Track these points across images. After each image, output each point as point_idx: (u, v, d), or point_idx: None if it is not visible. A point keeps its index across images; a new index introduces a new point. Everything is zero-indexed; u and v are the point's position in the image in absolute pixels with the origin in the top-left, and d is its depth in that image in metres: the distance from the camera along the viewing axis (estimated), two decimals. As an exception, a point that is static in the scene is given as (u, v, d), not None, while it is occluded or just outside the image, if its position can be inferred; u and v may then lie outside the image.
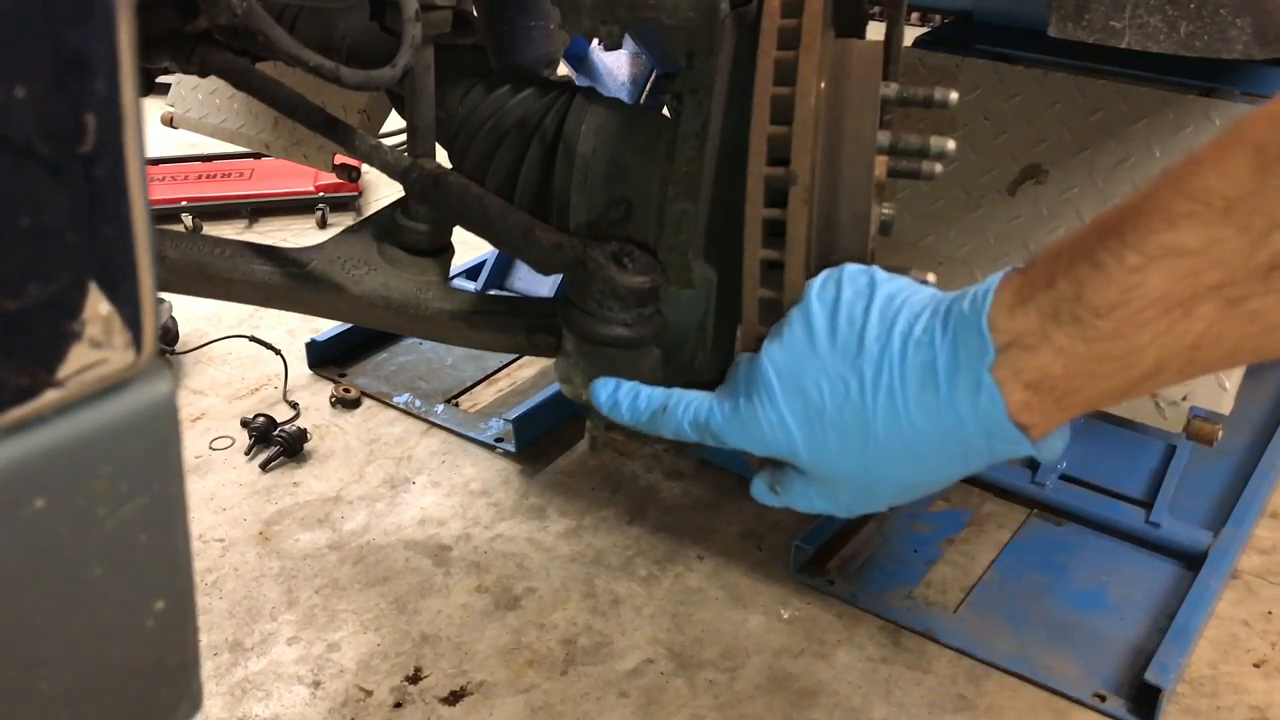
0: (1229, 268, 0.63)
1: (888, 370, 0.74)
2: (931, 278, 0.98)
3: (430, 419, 2.48)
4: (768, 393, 0.79)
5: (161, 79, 1.94)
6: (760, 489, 0.87)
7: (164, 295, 2.11)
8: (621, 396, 0.92)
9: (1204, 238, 0.63)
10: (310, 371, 2.65)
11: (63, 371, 0.45)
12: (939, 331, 0.73)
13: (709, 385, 0.86)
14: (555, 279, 2.67)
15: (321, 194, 3.47)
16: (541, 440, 2.38)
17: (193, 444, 2.36)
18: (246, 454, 2.35)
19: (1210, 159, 0.64)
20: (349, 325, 2.61)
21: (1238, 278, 0.63)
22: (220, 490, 2.25)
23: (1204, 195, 0.63)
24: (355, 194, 3.52)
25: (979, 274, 1.63)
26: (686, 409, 0.86)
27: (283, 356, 2.61)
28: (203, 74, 1.21)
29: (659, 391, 0.90)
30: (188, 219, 3.35)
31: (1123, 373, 0.68)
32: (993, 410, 0.71)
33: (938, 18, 3.16)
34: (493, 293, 2.84)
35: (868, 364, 0.75)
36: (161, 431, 0.50)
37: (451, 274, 1.28)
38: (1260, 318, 0.63)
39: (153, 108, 1.88)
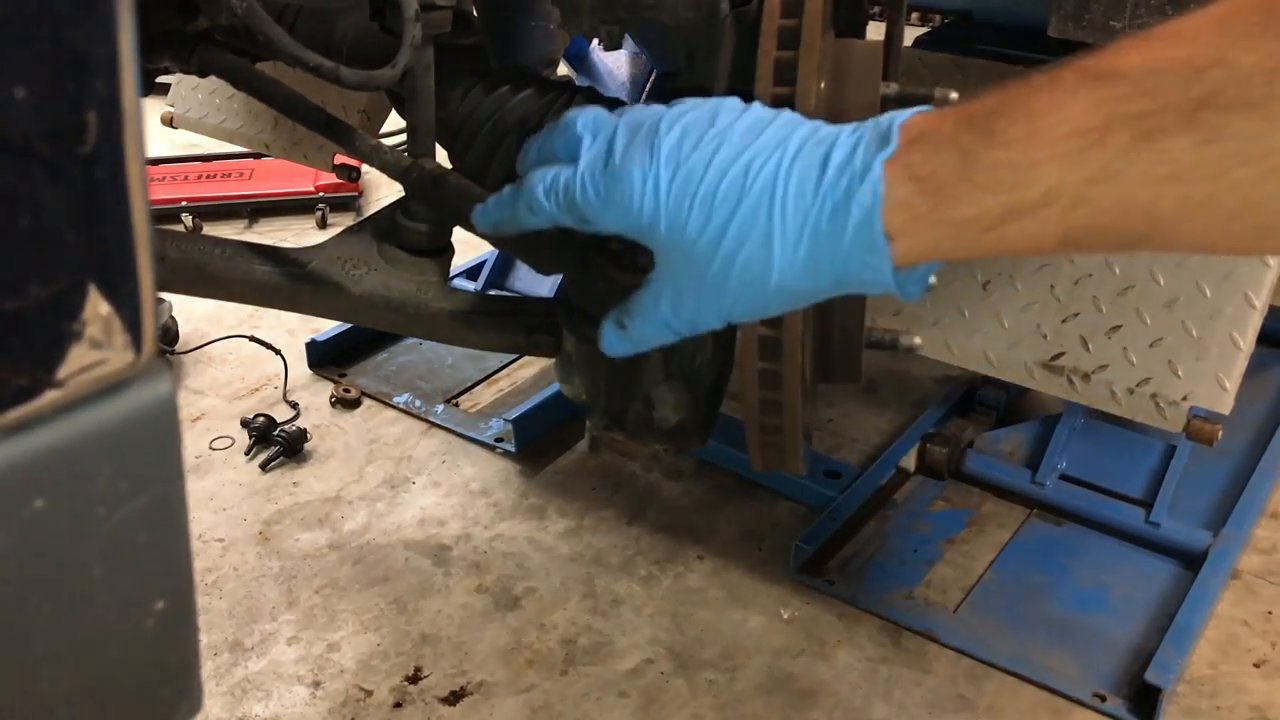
0: (1157, 99, 0.60)
1: (778, 154, 0.71)
2: (954, 95, 0.97)
3: (430, 419, 2.48)
4: (652, 155, 0.74)
5: (161, 79, 1.94)
6: (609, 331, 0.83)
7: (164, 295, 2.10)
8: (489, 208, 0.87)
9: (1143, 65, 0.61)
10: (310, 371, 2.65)
11: (63, 371, 0.45)
12: (847, 131, 0.71)
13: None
14: (555, 279, 2.67)
15: (321, 194, 3.47)
16: (541, 440, 2.38)
17: (193, 444, 2.36)
18: (246, 454, 2.35)
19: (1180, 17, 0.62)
20: (349, 325, 2.61)
21: (1162, 108, 0.60)
22: (220, 490, 2.25)
23: (1160, 33, 0.62)
24: (355, 194, 3.51)
25: (979, 274, 1.63)
26: (543, 178, 0.79)
27: (283, 356, 2.61)
28: (203, 74, 1.21)
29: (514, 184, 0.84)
30: (188, 219, 3.35)
31: (1011, 191, 0.64)
32: (868, 199, 0.67)
33: (938, 18, 3.16)
34: (493, 293, 2.84)
35: (764, 144, 0.72)
36: (161, 431, 0.50)
37: (451, 274, 1.28)
38: (1168, 158, 0.60)
39: (153, 108, 1.88)
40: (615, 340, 0.83)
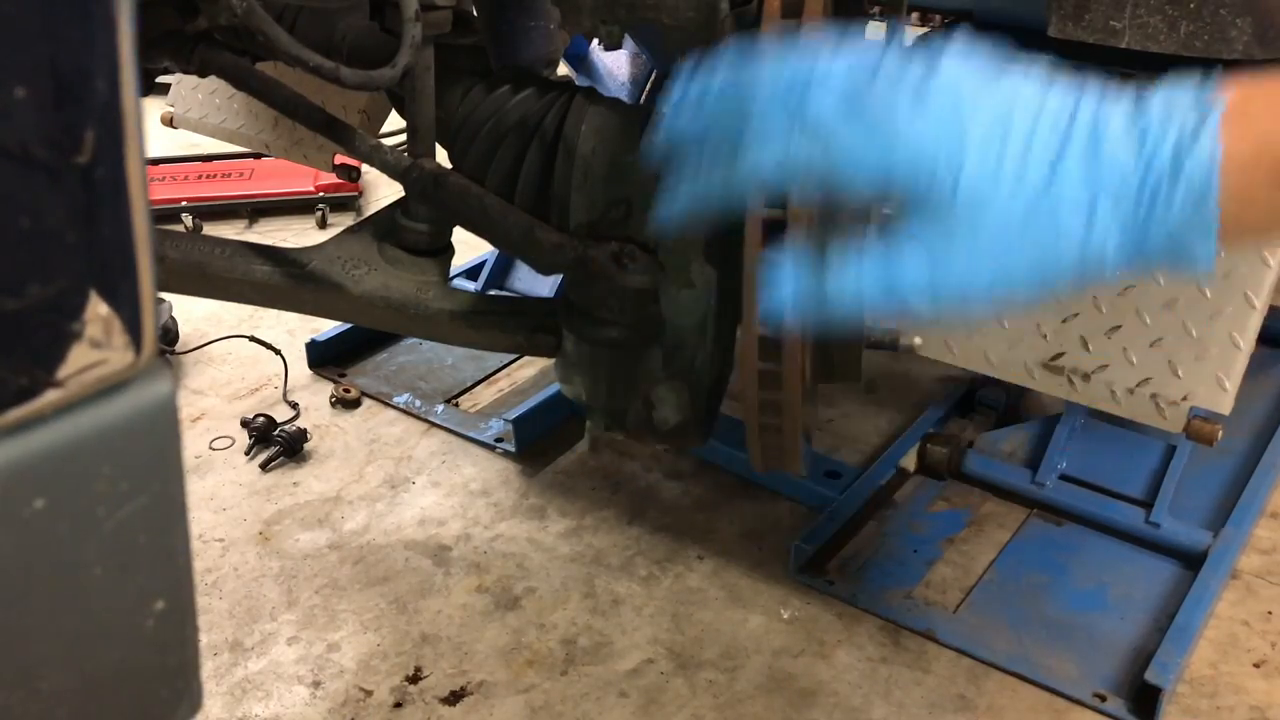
0: None
1: (1081, 96, 0.62)
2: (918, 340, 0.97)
3: (430, 419, 2.48)
4: (952, 99, 0.61)
5: (161, 79, 1.94)
6: (865, 261, 0.65)
7: (164, 295, 2.10)
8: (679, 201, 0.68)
9: None
10: (310, 371, 2.65)
11: (63, 372, 0.45)
12: (1157, 97, 0.61)
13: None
14: (555, 279, 2.67)
15: (321, 194, 3.47)
16: (541, 440, 2.38)
17: (193, 444, 2.36)
18: (246, 454, 2.35)
19: None
20: (349, 325, 2.60)
21: None
22: (220, 490, 2.25)
23: None
24: (355, 194, 3.51)
25: (979, 274, 1.63)
26: (766, 153, 0.63)
27: (283, 356, 2.61)
28: (203, 74, 1.21)
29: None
30: (188, 219, 3.35)
31: None
32: (1201, 165, 0.58)
33: (938, 18, 3.16)
34: (493, 293, 2.84)
35: (1064, 89, 0.63)
36: (161, 431, 0.50)
37: (451, 274, 1.28)
38: None
39: (153, 108, 1.88)
40: (864, 270, 0.65)
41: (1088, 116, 0.61)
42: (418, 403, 2.52)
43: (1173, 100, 0.61)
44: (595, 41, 2.72)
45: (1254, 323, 1.48)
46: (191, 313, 2.77)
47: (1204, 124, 0.58)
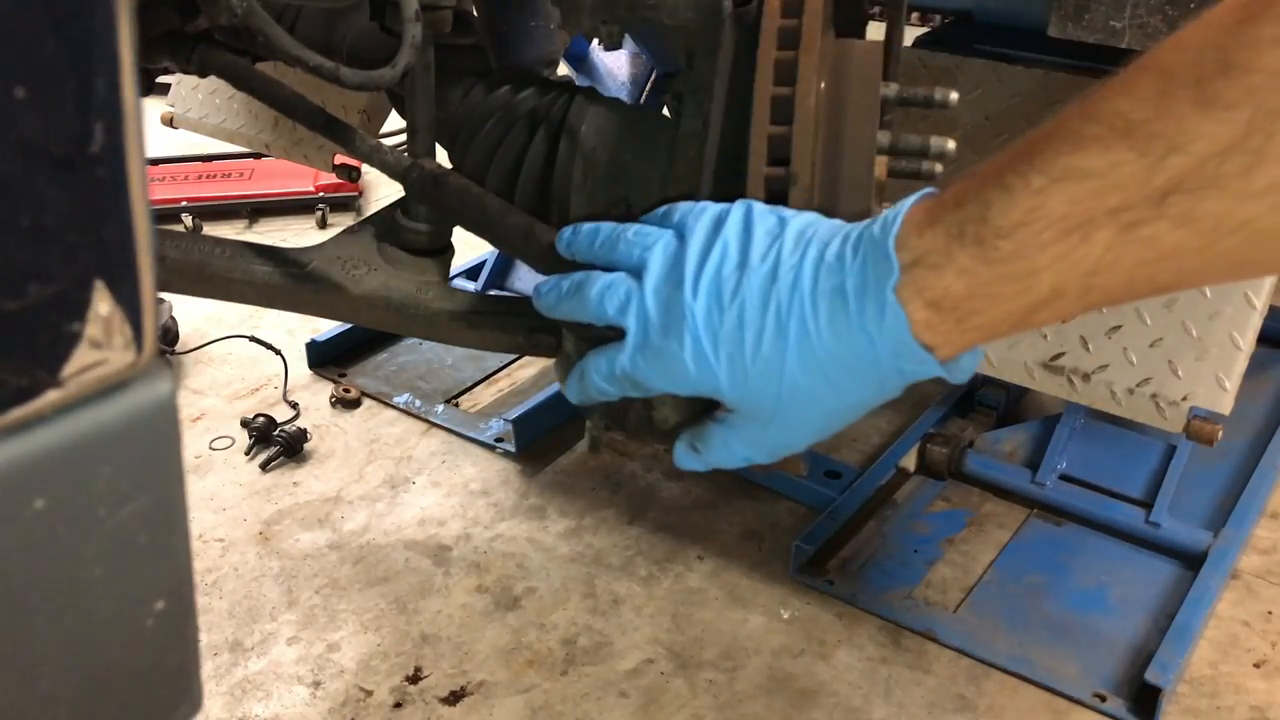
0: (1126, 192, 0.63)
1: (798, 297, 0.75)
2: (950, 144, 0.98)
3: (430, 419, 2.48)
4: (689, 330, 0.78)
5: (161, 79, 1.94)
6: (681, 453, 0.88)
7: (164, 295, 2.10)
8: (567, 384, 0.92)
9: (1105, 160, 0.64)
10: (310, 371, 2.65)
11: (63, 371, 0.45)
12: (850, 255, 0.74)
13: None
14: (555, 279, 2.66)
15: (321, 194, 3.47)
16: (541, 440, 2.38)
17: (193, 444, 2.36)
18: (246, 454, 2.35)
19: (1119, 84, 0.65)
20: (349, 325, 2.60)
21: (1134, 202, 0.63)
22: (220, 490, 2.25)
23: (1109, 118, 0.64)
24: (355, 194, 3.51)
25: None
26: (598, 367, 0.86)
27: (283, 356, 2.61)
28: (203, 74, 1.21)
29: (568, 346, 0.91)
30: (188, 219, 3.35)
31: (1022, 296, 0.68)
32: (897, 328, 0.71)
33: (938, 18, 3.16)
34: (493, 293, 2.84)
35: (781, 291, 0.76)
36: (161, 431, 0.50)
37: (451, 274, 1.28)
38: (1154, 244, 0.64)
39: (153, 108, 1.88)
40: (688, 460, 0.88)
41: (804, 313, 0.75)
42: (418, 403, 2.52)
43: (862, 267, 0.73)
44: (595, 41, 2.72)
45: (1254, 323, 1.48)
46: (191, 313, 2.77)
47: (885, 299, 0.72)
